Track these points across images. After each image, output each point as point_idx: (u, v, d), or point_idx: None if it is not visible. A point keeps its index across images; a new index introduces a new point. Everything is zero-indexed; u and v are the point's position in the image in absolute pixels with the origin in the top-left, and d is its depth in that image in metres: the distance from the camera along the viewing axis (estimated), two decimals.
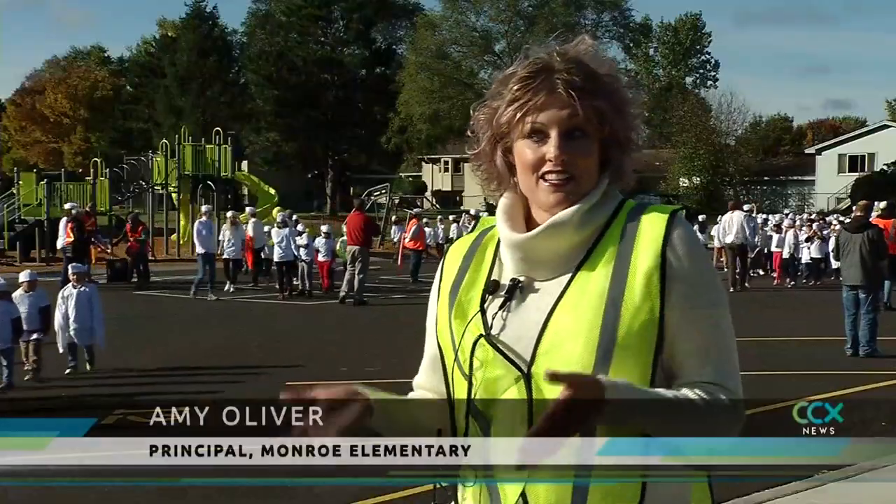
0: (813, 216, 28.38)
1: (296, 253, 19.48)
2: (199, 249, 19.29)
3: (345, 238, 20.25)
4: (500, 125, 1.87)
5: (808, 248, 22.92)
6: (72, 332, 10.93)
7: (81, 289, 11.13)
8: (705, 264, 1.84)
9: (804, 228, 24.71)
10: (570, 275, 1.82)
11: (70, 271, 11.60)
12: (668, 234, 1.80)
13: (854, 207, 27.23)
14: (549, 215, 1.85)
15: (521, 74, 1.85)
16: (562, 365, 1.73)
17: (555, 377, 1.63)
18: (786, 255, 22.77)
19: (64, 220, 22.11)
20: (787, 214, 29.79)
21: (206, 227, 19.59)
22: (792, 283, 22.61)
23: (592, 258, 1.82)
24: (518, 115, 1.83)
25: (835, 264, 23.19)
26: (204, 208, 21.51)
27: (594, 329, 1.75)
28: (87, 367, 11.08)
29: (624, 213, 1.86)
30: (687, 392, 1.74)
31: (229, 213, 21.81)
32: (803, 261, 23.19)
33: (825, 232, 24.55)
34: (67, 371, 10.89)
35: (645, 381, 1.74)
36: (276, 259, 19.70)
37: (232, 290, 19.85)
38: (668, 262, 1.78)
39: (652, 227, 1.81)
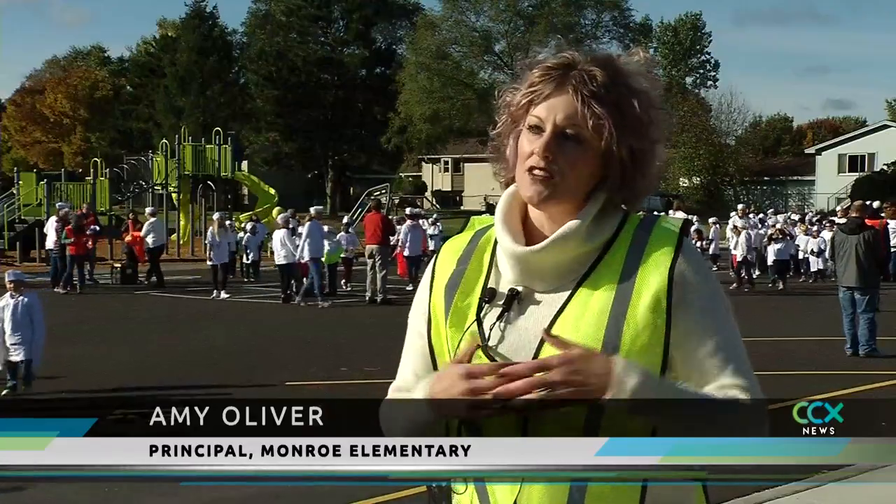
0: (815, 216, 27.87)
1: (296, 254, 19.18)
2: (308, 254, 17.86)
3: (337, 240, 20.19)
4: (513, 105, 1.82)
5: (770, 248, 21.59)
6: (8, 347, 9.71)
7: (20, 298, 9.76)
8: (713, 282, 1.81)
9: (767, 227, 24.05)
10: (571, 288, 1.78)
11: (6, 279, 10.04)
12: (676, 256, 1.76)
13: (838, 210, 26.58)
14: (544, 216, 1.82)
15: (546, 63, 1.80)
16: None
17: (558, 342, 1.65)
18: (739, 258, 21.34)
19: (54, 219, 22.02)
20: (745, 216, 28.06)
21: (317, 228, 18.34)
22: (734, 286, 20.56)
23: (596, 273, 1.78)
24: (525, 100, 1.80)
25: (814, 264, 23.01)
26: (313, 210, 19.04)
27: (595, 344, 1.70)
28: (22, 386, 9.71)
29: (630, 228, 1.81)
30: (715, 393, 1.71)
31: (216, 216, 20.54)
32: (768, 262, 21.99)
33: (791, 230, 23.98)
34: (4, 392, 9.64)
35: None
36: (278, 261, 19.01)
37: (222, 296, 19.22)
38: (676, 283, 1.74)
39: (661, 246, 1.78)
